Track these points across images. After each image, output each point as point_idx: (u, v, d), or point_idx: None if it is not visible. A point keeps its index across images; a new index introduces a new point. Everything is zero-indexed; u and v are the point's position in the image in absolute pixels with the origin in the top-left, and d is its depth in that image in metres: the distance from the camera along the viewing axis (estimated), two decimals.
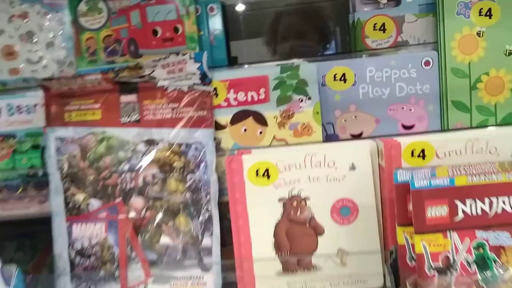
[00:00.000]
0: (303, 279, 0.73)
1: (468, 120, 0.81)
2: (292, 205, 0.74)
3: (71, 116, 0.80)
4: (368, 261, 0.72)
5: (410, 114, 0.82)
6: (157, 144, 0.78)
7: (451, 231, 0.59)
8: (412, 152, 0.70)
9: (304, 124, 0.78)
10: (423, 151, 0.70)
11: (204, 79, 0.77)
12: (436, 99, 0.81)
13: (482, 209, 0.59)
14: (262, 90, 0.78)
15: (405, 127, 0.82)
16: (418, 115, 0.81)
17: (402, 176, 0.63)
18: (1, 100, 0.85)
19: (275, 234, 0.74)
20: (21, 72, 0.91)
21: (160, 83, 0.78)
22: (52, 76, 0.81)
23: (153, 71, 0.77)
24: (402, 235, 0.63)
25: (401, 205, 0.62)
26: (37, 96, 0.84)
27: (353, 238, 0.73)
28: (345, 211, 0.73)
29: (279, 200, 0.74)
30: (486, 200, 0.59)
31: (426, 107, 0.81)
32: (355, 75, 0.81)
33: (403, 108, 0.82)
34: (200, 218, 0.77)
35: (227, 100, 0.79)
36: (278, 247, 0.74)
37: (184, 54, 0.76)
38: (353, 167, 0.73)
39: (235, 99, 0.79)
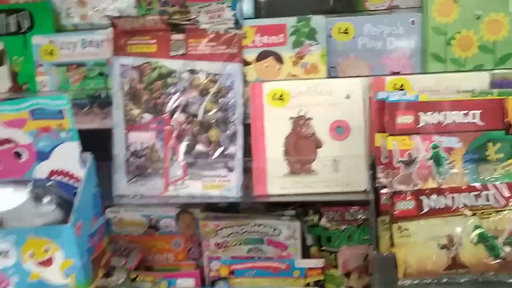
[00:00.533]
0: (304, 180, 0.96)
1: (443, 69, 1.02)
2: (299, 123, 0.96)
3: (132, 48, 1.02)
4: (356, 169, 0.94)
5: (398, 63, 1.03)
6: (198, 73, 1.01)
7: (415, 135, 0.81)
8: (394, 86, 0.92)
9: (312, 63, 1.00)
10: (402, 86, 0.92)
11: (237, 24, 1.00)
12: (418, 52, 1.02)
13: (438, 119, 0.80)
14: (281, 35, 1.01)
15: (393, 73, 1.04)
16: (403, 64, 1.03)
17: (381, 96, 0.84)
18: (77, 35, 1.08)
19: (285, 144, 0.96)
20: (89, 18, 1.15)
21: (202, 26, 1.00)
22: (121, 15, 1.04)
23: (198, 16, 1.00)
24: (379, 139, 0.84)
25: (379, 117, 0.84)
26: (104, 34, 1.07)
27: (345, 151, 0.95)
28: (340, 130, 0.95)
29: (290, 118, 0.96)
30: (442, 113, 0.80)
31: (410, 58, 1.02)
32: (355, 29, 1.03)
33: (391, 58, 1.03)
34: (228, 132, 0.99)
35: (253, 42, 1.01)
36: (287, 154, 0.96)
37: (223, 3, 0.98)
38: (348, 97, 0.95)
39: (260, 41, 1.01)
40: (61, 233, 0.83)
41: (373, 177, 0.84)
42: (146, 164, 1.01)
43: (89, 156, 0.91)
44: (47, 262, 0.84)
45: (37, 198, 0.80)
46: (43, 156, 0.90)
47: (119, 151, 1.02)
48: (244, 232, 1.15)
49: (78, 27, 1.14)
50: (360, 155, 0.94)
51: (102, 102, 1.08)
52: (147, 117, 1.02)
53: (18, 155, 0.90)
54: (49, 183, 0.82)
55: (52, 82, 1.10)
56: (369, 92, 0.95)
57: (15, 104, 0.87)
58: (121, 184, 1.01)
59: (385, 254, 0.79)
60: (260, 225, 1.14)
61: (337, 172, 0.95)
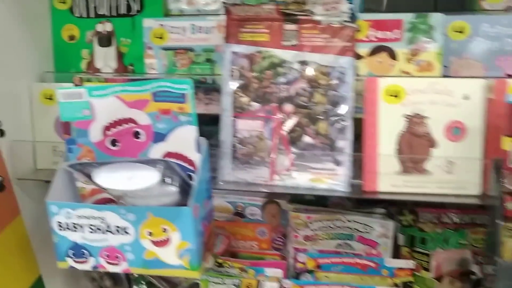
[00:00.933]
0: (416, 179, 0.94)
1: None
2: (414, 121, 0.94)
3: (244, 36, 1.03)
4: (470, 172, 0.92)
5: None
6: (309, 65, 1.00)
7: None
8: None
9: (427, 61, 0.98)
10: None
11: (352, 17, 0.99)
12: None
13: None
14: (396, 31, 0.99)
15: (509, 75, 1.00)
16: None
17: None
18: (187, 21, 1.09)
19: (398, 142, 0.95)
20: (195, 4, 1.15)
21: (316, 17, 1.00)
22: (235, 2, 1.04)
23: (313, 7, 0.99)
24: (507, 143, 0.82)
25: (509, 120, 0.82)
26: (214, 20, 1.08)
27: (460, 152, 0.93)
28: (456, 131, 0.93)
29: (404, 116, 0.94)
30: None
31: None
32: (471, 29, 1.00)
33: (508, 59, 1.00)
34: (337, 125, 0.99)
35: (368, 36, 1.00)
36: (399, 152, 0.95)
37: None
38: (466, 97, 0.93)
39: (374, 36, 1.00)
40: (181, 215, 0.85)
41: (498, 181, 0.82)
42: (252, 152, 1.01)
43: (204, 140, 0.92)
44: (164, 242, 0.86)
45: (163, 178, 0.81)
46: (160, 137, 0.92)
47: (226, 137, 1.02)
48: (335, 227, 1.15)
49: (184, 12, 1.15)
50: (475, 157, 0.92)
51: (208, 88, 1.09)
52: (256, 105, 1.02)
53: (136, 135, 0.92)
54: (173, 164, 0.83)
55: (160, 65, 1.12)
56: (488, 93, 0.92)
57: (139, 86, 0.89)
58: (226, 170, 1.02)
59: (509, 262, 0.77)
60: (352, 221, 1.14)
61: (451, 173, 0.93)
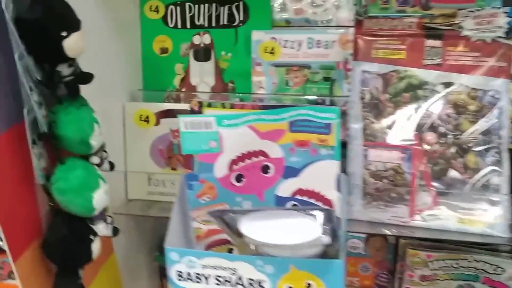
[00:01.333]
0: None
1: None
2: None
3: (378, 53, 0.89)
4: None
5: None
6: (454, 87, 0.87)
7: None
8: None
9: None
10: None
11: (509, 32, 0.85)
12: None
13: None
14: None
15: None
16: None
17: None
18: (303, 34, 0.96)
19: None
20: (304, 13, 1.02)
21: (465, 33, 0.86)
22: (368, 14, 0.91)
23: (463, 21, 0.85)
24: None
25: None
26: (336, 33, 0.94)
27: None
28: None
29: None
30: None
31: None
32: None
33: None
34: (490, 159, 0.85)
35: None
36: None
37: (498, 8, 0.84)
38: None
39: None
40: (330, 269, 0.71)
41: None
42: (388, 187, 0.87)
43: (344, 177, 0.78)
44: None
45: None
46: (292, 172, 0.79)
47: (355, 169, 0.89)
48: (458, 267, 1.01)
49: (292, 22, 1.01)
50: None
51: None
52: (392, 133, 0.88)
53: (265, 169, 0.79)
54: (329, 211, 0.70)
55: (269, 84, 0.98)
56: None
57: (277, 114, 0.75)
58: (356, 207, 0.88)
59: None
60: (480, 261, 1.00)
61: None
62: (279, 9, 1.02)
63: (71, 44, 0.63)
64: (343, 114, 0.94)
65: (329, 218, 0.69)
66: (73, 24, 0.63)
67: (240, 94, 1.00)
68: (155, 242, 1.15)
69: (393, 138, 0.88)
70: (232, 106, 0.78)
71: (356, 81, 0.90)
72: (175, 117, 0.96)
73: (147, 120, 0.97)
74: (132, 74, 1.02)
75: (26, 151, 0.65)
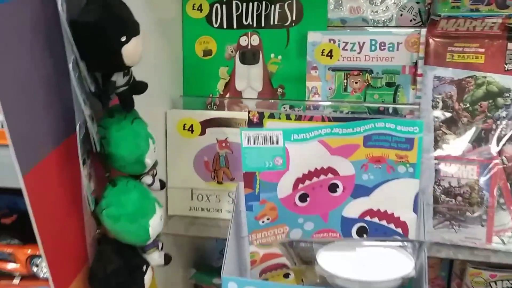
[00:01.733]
0: None
1: None
2: None
3: (453, 57, 0.80)
4: None
5: None
6: None
7: None
8: None
9: None
10: None
11: None
12: None
13: None
14: None
15: None
16: None
17: None
18: (365, 35, 0.87)
19: None
20: (362, 11, 0.93)
21: None
22: (437, 13, 0.82)
23: None
24: None
25: None
26: (402, 35, 0.85)
27: None
28: None
29: None
30: None
31: None
32: None
33: None
34: None
35: None
36: None
37: None
38: None
39: None
40: None
41: None
42: (463, 206, 0.79)
43: (422, 197, 0.70)
44: None
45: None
46: (363, 191, 0.70)
47: (425, 185, 0.80)
48: None
49: (347, 22, 0.93)
50: None
51: None
52: (467, 146, 0.80)
53: (333, 187, 0.71)
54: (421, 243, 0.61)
55: (324, 90, 0.90)
56: None
57: (352, 127, 0.67)
58: (426, 227, 0.80)
59: None
60: None
61: None
62: (333, 8, 0.94)
63: (130, 50, 0.54)
64: None
65: (416, 249, 0.61)
66: (133, 28, 0.55)
67: (292, 101, 0.91)
68: (192, 259, 1.07)
69: (468, 151, 0.79)
70: (299, 118, 0.69)
71: (427, 88, 0.81)
72: (222, 126, 0.89)
73: (191, 129, 0.88)
74: (173, 78, 0.94)
75: (76, 172, 0.57)
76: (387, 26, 0.90)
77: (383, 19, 0.93)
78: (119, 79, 0.58)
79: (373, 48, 0.87)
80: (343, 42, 0.87)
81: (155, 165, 0.66)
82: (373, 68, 0.87)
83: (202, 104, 0.95)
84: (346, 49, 0.87)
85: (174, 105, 0.93)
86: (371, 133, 0.67)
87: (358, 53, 0.87)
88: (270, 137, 0.67)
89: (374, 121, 0.67)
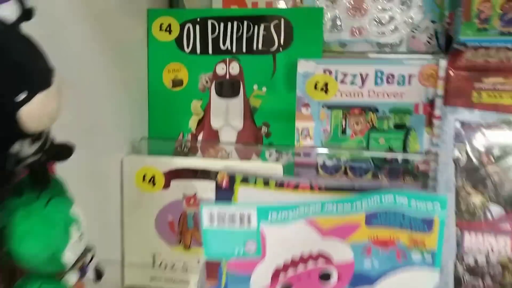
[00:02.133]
0: None
1: None
2: None
3: (481, 96, 0.63)
4: None
5: None
6: None
7: None
8: None
9: None
10: None
11: None
12: None
13: None
14: None
15: None
16: None
17: None
18: (370, 64, 0.70)
19: None
20: (365, 32, 0.77)
21: None
22: (463, 38, 0.64)
23: None
24: None
25: None
26: (416, 65, 0.68)
27: None
28: None
29: None
30: None
31: None
32: None
33: None
34: None
35: None
36: None
37: None
38: None
39: None
40: None
41: None
42: None
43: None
44: None
45: None
46: (364, 281, 0.53)
47: (444, 261, 0.63)
48: None
49: (347, 45, 0.76)
50: None
51: (395, 170, 0.70)
52: (497, 210, 0.63)
53: (325, 277, 0.54)
54: None
55: (318, 131, 0.73)
56: None
57: (351, 201, 0.50)
58: None
59: None
60: None
61: None
62: (330, 28, 0.77)
63: (33, 112, 0.38)
64: (424, 177, 0.69)
65: None
66: (40, 79, 0.38)
67: (279, 146, 0.74)
68: None
69: (500, 218, 0.62)
70: (281, 184, 0.52)
71: (447, 135, 0.64)
72: (190, 178, 0.72)
73: (153, 181, 0.71)
74: (135, 115, 0.77)
75: None
76: (397, 53, 0.73)
77: (390, 42, 0.76)
78: (24, 148, 0.42)
79: (379, 81, 0.69)
80: (342, 73, 0.70)
81: (85, 253, 0.49)
82: (379, 106, 0.70)
83: (170, 147, 0.78)
84: (345, 82, 0.70)
85: (134, 150, 0.76)
86: (377, 211, 0.50)
87: (360, 87, 0.70)
88: (241, 215, 0.50)
89: (381, 194, 0.50)
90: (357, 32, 0.77)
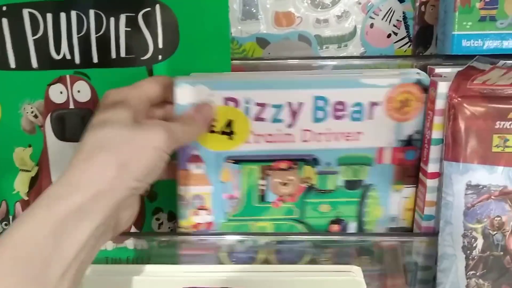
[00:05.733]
0: None
1: None
2: None
3: (506, 142, 0.37)
4: None
5: None
6: None
7: None
8: None
9: None
10: None
11: None
12: None
13: None
14: None
15: None
16: None
17: None
18: (304, 88, 0.39)
19: None
20: (298, 21, 0.47)
21: None
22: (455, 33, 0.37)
23: None
24: None
25: None
26: (383, 86, 0.40)
27: None
28: None
29: None
30: None
31: None
32: None
33: None
34: None
35: None
36: None
37: None
38: None
39: None
40: None
41: None
42: None
43: None
44: None
45: None
46: None
47: None
48: None
49: (270, 43, 0.47)
50: None
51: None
52: None
53: None
54: None
55: (219, 201, 0.43)
56: None
57: None
58: None
59: None
60: None
61: None
62: (241, 16, 0.47)
63: None
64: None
65: None
66: None
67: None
68: None
69: None
70: None
71: (452, 209, 0.38)
72: None
73: None
74: None
75: None
76: (344, 58, 0.45)
77: (337, 34, 0.48)
78: None
79: (320, 114, 0.41)
80: (256, 103, 0.41)
81: None
82: (320, 155, 0.42)
83: None
84: (264, 119, 0.41)
85: None
86: None
87: (289, 125, 0.41)
88: None
89: None
90: (286, 20, 0.48)
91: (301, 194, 0.43)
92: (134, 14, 0.43)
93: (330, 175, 0.43)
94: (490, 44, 0.43)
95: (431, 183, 0.39)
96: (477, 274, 0.38)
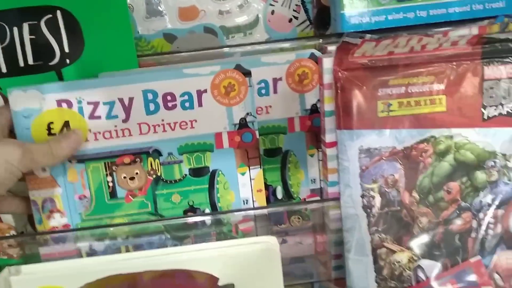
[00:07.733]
0: None
1: None
2: None
3: (389, 108, 0.41)
4: None
5: None
6: None
7: None
8: None
9: None
10: None
11: None
12: None
13: None
14: None
15: None
16: None
17: None
18: (136, 82, 0.42)
19: None
20: (201, 14, 0.50)
21: None
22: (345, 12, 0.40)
23: None
24: None
25: None
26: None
27: None
28: None
29: None
30: None
31: None
32: None
33: None
34: None
35: None
36: None
37: None
38: None
39: None
40: None
41: None
42: None
43: None
44: None
45: None
46: None
47: None
48: None
49: (178, 40, 0.49)
50: None
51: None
52: (429, 266, 0.43)
53: None
54: None
55: (71, 203, 0.44)
56: None
57: None
58: None
59: None
60: None
61: None
62: (145, 14, 0.49)
63: None
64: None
65: None
66: None
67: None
68: None
69: (438, 276, 0.43)
70: None
71: (350, 173, 0.41)
72: None
73: None
74: None
75: None
76: (248, 44, 0.48)
77: (241, 23, 0.51)
78: None
79: (151, 107, 0.43)
80: (89, 103, 0.43)
81: None
82: (160, 145, 0.45)
83: None
84: (98, 116, 0.43)
85: None
86: None
87: (124, 120, 0.44)
88: None
89: None
90: (189, 13, 0.50)
91: (150, 187, 0.46)
92: (36, 22, 0.44)
93: (174, 164, 0.45)
94: (377, 19, 0.47)
95: (330, 151, 0.42)
96: (379, 229, 0.42)
